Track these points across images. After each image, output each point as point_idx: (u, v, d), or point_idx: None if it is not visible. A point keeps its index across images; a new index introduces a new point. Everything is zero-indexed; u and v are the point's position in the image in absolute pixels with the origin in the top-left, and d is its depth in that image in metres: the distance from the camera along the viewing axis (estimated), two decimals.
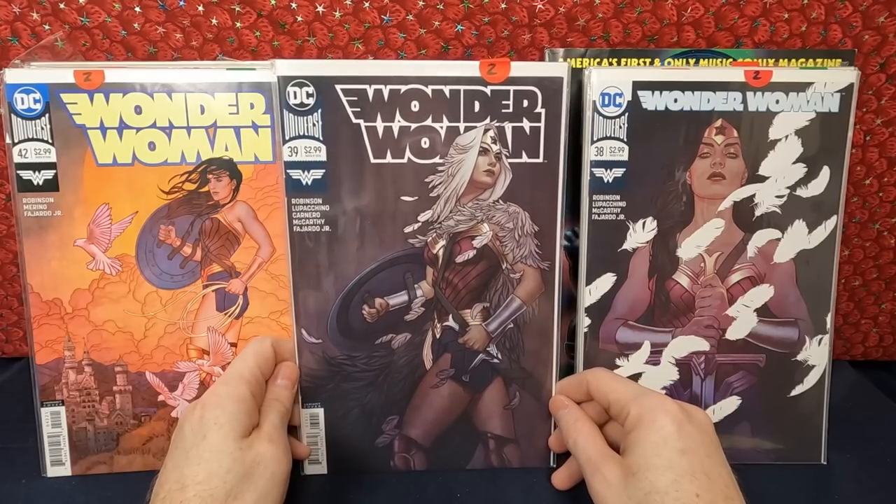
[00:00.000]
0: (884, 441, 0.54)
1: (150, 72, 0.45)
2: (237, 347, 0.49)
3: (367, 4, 0.53)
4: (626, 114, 0.46)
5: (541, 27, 0.53)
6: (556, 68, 0.46)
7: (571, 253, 0.50)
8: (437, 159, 0.46)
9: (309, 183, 0.45)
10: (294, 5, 0.53)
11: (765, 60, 0.51)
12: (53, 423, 0.48)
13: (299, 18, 0.53)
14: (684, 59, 0.51)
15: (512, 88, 0.45)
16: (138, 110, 0.45)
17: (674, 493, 0.36)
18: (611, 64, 0.50)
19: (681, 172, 0.48)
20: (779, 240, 0.49)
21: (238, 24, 0.53)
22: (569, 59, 0.50)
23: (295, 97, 0.44)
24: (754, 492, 0.38)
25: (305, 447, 0.48)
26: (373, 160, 0.46)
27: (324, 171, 0.45)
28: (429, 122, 0.45)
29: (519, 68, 0.45)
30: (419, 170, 0.46)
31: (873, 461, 0.51)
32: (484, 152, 0.46)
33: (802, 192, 0.48)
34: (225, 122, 0.46)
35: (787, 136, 0.47)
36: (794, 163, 0.48)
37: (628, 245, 0.48)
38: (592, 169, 0.47)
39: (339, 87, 0.44)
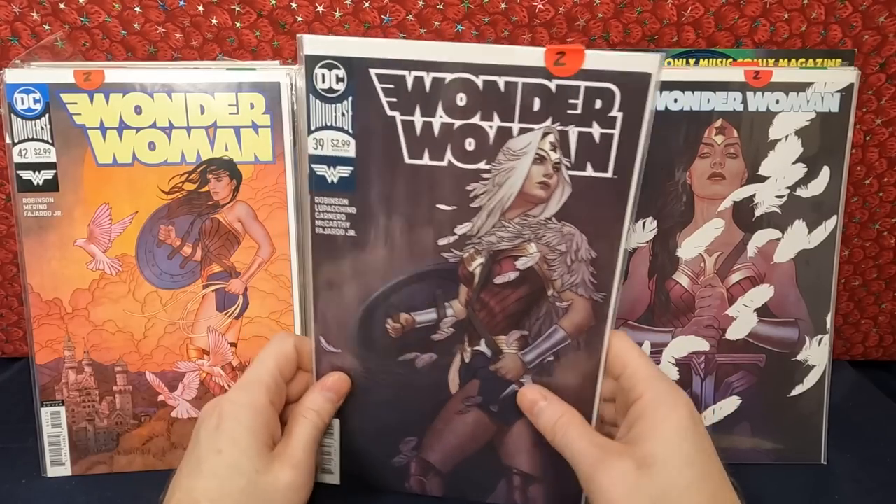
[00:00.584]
0: (884, 441, 0.54)
1: (150, 72, 0.45)
2: (237, 347, 0.49)
3: (367, 4, 0.53)
4: None
5: (541, 27, 0.53)
6: (644, 61, 0.36)
7: None
8: (482, 164, 0.39)
9: (335, 181, 0.40)
10: (294, 5, 0.53)
11: (765, 60, 0.51)
12: (53, 423, 0.48)
13: (299, 18, 0.53)
14: (684, 59, 0.51)
15: (583, 84, 0.37)
16: (138, 110, 0.45)
17: (695, 491, 0.34)
18: None
19: (681, 172, 0.47)
20: (779, 240, 0.49)
21: (238, 24, 0.53)
22: None
23: (323, 80, 0.38)
24: (754, 492, 0.38)
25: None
26: (408, 160, 0.39)
27: (352, 168, 0.39)
28: (476, 119, 0.38)
29: (595, 59, 0.36)
30: (461, 175, 0.39)
31: (873, 461, 0.51)
32: (540, 160, 0.39)
33: (802, 192, 0.48)
34: (225, 122, 0.46)
35: (787, 136, 0.47)
36: (794, 163, 0.48)
37: (628, 245, 0.48)
38: None
39: (373, 72, 0.37)
